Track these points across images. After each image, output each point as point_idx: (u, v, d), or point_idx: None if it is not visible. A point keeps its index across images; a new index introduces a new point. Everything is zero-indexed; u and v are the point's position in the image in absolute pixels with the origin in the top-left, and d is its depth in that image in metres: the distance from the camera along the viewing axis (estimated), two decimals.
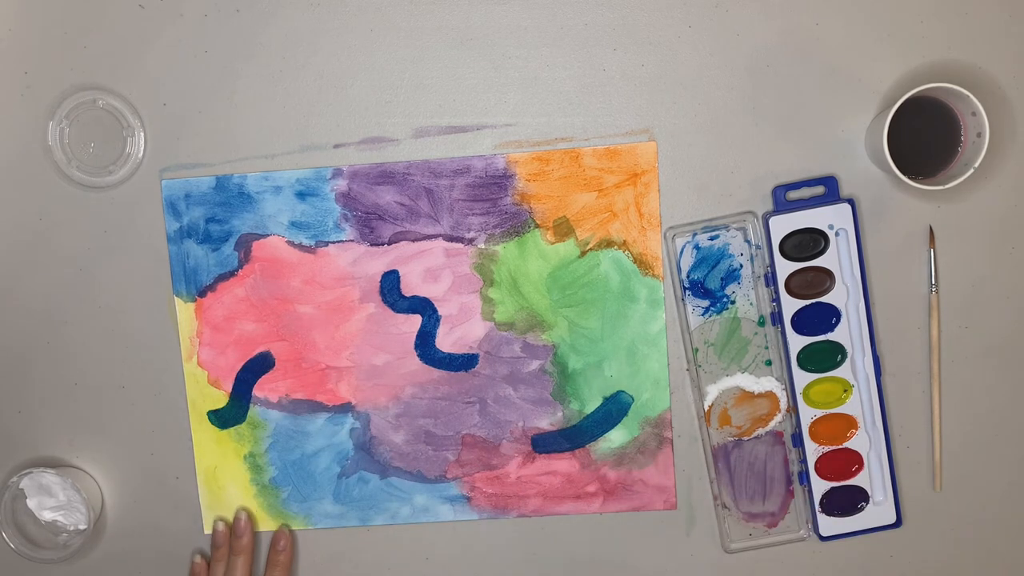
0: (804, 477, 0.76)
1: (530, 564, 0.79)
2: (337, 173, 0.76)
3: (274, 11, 0.75)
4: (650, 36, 0.74)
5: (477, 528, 0.79)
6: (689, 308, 0.76)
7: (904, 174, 0.69)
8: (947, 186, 0.69)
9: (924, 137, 0.71)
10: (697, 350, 0.76)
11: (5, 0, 0.76)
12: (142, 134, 0.76)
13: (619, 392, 0.77)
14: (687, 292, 0.75)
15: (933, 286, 0.75)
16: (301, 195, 0.76)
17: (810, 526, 0.77)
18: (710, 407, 0.76)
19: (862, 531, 0.76)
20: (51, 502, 0.79)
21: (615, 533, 0.78)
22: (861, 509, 0.76)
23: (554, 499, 0.78)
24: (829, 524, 0.76)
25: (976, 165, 0.68)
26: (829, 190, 0.74)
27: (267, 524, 0.80)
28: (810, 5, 0.74)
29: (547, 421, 0.78)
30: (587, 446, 0.77)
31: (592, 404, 0.77)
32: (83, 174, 0.76)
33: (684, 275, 0.75)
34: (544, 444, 0.78)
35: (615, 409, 0.77)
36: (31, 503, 0.79)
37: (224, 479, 0.79)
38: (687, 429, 0.77)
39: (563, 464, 0.78)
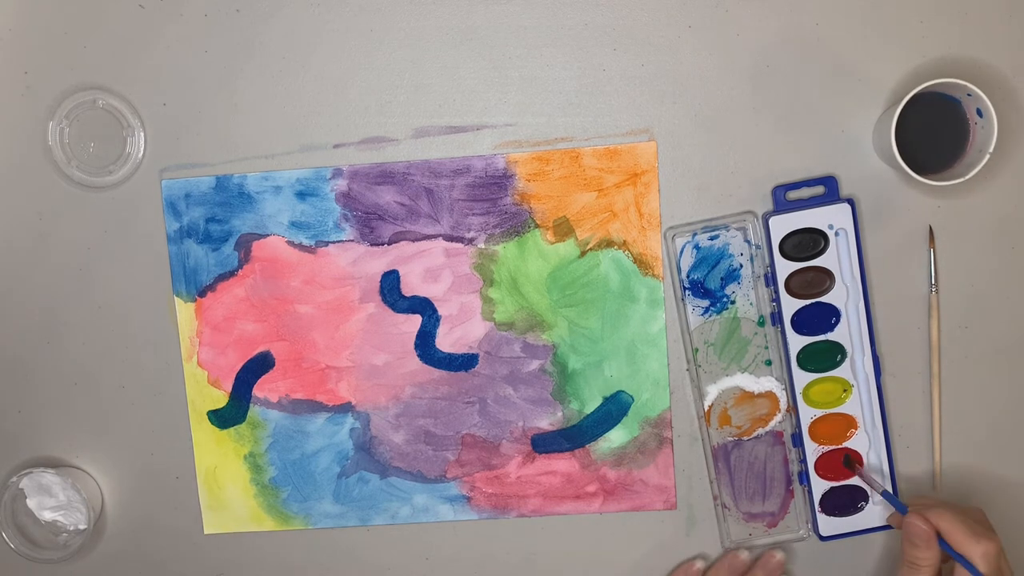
0: (804, 477, 0.76)
1: (530, 564, 0.79)
2: (337, 173, 0.76)
3: (274, 11, 0.75)
4: (650, 36, 0.74)
5: (477, 528, 0.79)
6: (689, 308, 0.76)
7: (912, 171, 0.69)
8: (959, 180, 0.68)
9: (931, 134, 0.71)
10: (697, 350, 0.76)
11: (5, 0, 0.76)
12: (142, 134, 0.76)
13: (619, 392, 0.77)
14: (687, 292, 0.75)
15: (933, 286, 0.75)
16: (301, 195, 0.76)
17: (810, 526, 0.77)
18: (710, 407, 0.76)
19: (862, 531, 0.76)
20: (51, 502, 0.79)
21: (615, 533, 0.78)
22: (861, 509, 0.76)
23: (554, 499, 0.78)
24: (829, 524, 0.76)
25: (990, 150, 0.68)
26: (829, 190, 0.74)
27: (267, 524, 0.80)
28: (810, 5, 0.74)
29: (547, 421, 0.78)
30: (587, 446, 0.77)
31: (592, 404, 0.77)
32: (83, 174, 0.76)
33: (684, 275, 0.75)
34: (544, 444, 0.78)
35: (615, 409, 0.77)
36: (31, 503, 0.79)
37: (224, 479, 0.79)
38: (687, 429, 0.77)
39: (563, 464, 0.78)
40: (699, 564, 0.77)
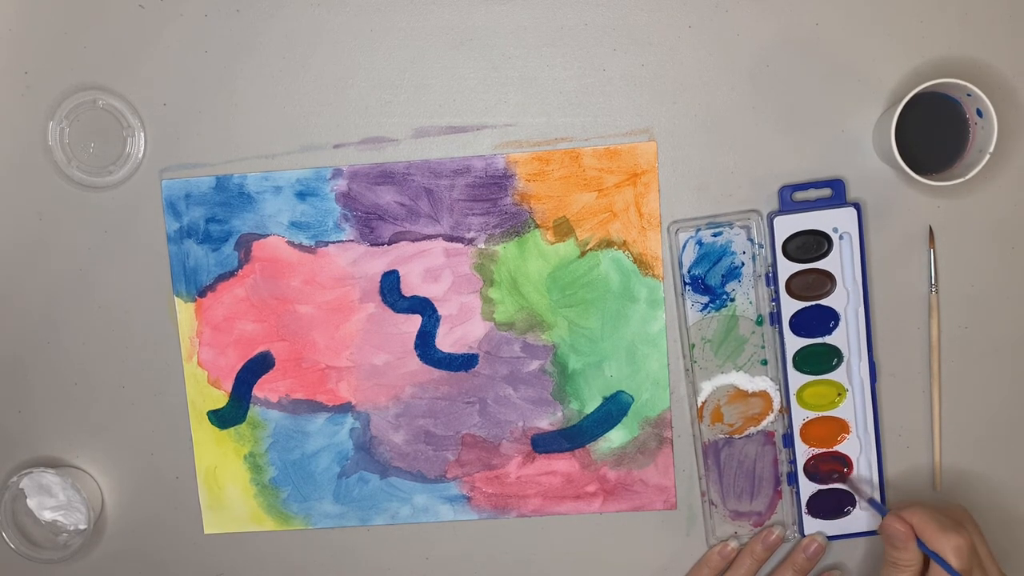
0: (793, 478, 0.76)
1: (530, 564, 0.79)
2: (337, 173, 0.76)
3: (274, 11, 0.75)
4: (650, 36, 0.74)
5: (477, 528, 0.79)
6: (688, 304, 0.76)
7: (912, 171, 0.69)
8: (959, 180, 0.68)
9: (931, 134, 0.71)
10: (694, 346, 0.76)
11: (5, 0, 0.76)
12: (142, 134, 0.76)
13: (619, 392, 0.77)
14: (687, 287, 0.75)
15: (933, 286, 0.75)
16: (301, 195, 0.76)
17: (795, 527, 0.77)
18: (703, 403, 0.76)
19: (846, 535, 0.76)
20: (51, 502, 0.79)
21: (615, 533, 0.78)
22: (847, 513, 0.76)
23: (554, 499, 0.78)
24: (814, 526, 0.76)
25: (990, 150, 0.68)
26: (836, 193, 0.73)
27: (267, 524, 0.80)
28: (810, 5, 0.74)
29: (547, 421, 0.78)
30: (587, 446, 0.77)
31: (592, 404, 0.77)
32: (83, 174, 0.76)
33: (685, 270, 0.75)
34: (544, 444, 0.78)
35: (615, 409, 0.77)
36: (31, 503, 0.79)
37: (224, 479, 0.79)
38: (687, 429, 0.77)
39: (563, 464, 0.78)
40: (733, 544, 0.76)
